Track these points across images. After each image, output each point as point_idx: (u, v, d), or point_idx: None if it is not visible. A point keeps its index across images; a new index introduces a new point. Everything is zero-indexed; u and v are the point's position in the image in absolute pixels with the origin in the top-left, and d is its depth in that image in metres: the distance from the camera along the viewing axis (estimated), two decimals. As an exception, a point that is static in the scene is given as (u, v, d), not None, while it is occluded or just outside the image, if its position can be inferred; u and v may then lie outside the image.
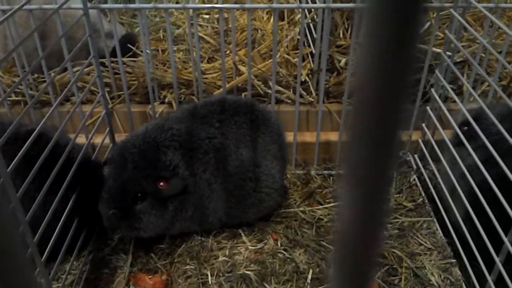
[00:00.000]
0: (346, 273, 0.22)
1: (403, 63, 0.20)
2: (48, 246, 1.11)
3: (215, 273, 1.27)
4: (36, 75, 1.75)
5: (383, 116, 0.19)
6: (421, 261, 1.31)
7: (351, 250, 0.22)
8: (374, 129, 0.19)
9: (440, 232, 1.40)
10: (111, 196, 1.24)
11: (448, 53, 1.51)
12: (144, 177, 1.22)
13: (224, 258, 1.32)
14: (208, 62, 1.91)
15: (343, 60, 1.76)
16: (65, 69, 1.62)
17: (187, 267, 1.30)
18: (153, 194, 1.23)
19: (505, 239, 1.03)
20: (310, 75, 1.73)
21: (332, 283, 0.23)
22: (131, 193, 1.23)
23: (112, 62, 1.68)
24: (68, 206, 1.22)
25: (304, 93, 1.68)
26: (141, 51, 1.81)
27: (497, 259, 1.06)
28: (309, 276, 1.25)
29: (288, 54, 1.80)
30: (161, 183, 1.23)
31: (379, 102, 0.19)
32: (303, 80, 1.69)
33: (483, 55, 1.65)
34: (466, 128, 1.30)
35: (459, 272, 1.27)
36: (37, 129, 1.09)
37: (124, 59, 1.72)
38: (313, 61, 1.71)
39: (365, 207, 0.21)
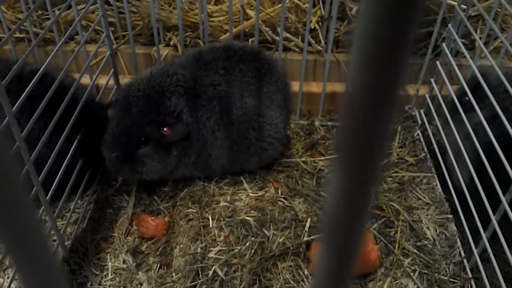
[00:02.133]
0: (334, 248, 0.23)
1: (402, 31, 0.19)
2: (53, 185, 1.13)
3: (216, 218, 1.31)
4: (40, 12, 1.71)
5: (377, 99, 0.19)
6: (418, 215, 1.34)
7: (338, 229, 0.22)
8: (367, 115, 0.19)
9: (440, 187, 1.41)
10: (114, 139, 1.24)
11: (463, 6, 1.46)
12: (148, 122, 1.22)
13: (225, 203, 1.35)
14: (215, 4, 1.85)
15: (355, 8, 1.71)
16: (69, 7, 1.58)
17: (189, 210, 1.33)
18: (156, 139, 1.24)
19: (503, 198, 1.04)
20: (320, 23, 1.69)
21: (320, 258, 0.24)
22: (135, 137, 1.23)
23: (117, 1, 1.64)
24: (73, 147, 1.23)
25: (313, 41, 1.64)
26: (147, -10, 1.76)
27: (493, 217, 1.08)
28: (307, 225, 1.28)
29: None
30: (165, 129, 1.23)
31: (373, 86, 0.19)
32: (312, 27, 1.65)
33: (498, 9, 1.60)
34: (467, 98, 1.28)
35: (454, 228, 1.30)
36: (42, 68, 1.08)
37: (130, -2, 1.68)
38: (323, 7, 1.67)
39: (353, 186, 0.21)
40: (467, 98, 1.28)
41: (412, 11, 0.18)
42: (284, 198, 1.36)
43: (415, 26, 0.18)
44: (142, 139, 1.23)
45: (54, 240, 1.22)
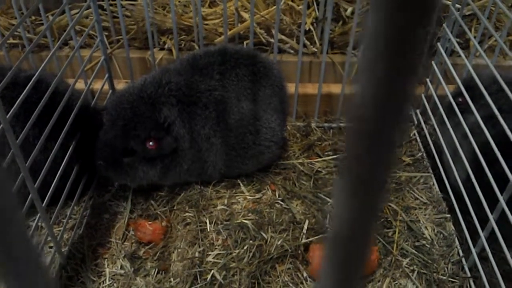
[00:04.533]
0: (337, 266, 0.23)
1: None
2: (49, 192, 1.13)
3: (214, 221, 1.30)
4: (33, 17, 1.71)
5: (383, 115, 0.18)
6: (416, 215, 1.33)
7: (343, 246, 0.22)
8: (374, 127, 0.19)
9: (437, 187, 1.41)
10: (100, 148, 1.25)
11: (457, 5, 1.46)
12: (132, 136, 1.21)
13: (222, 207, 1.34)
14: (209, 7, 1.85)
15: (350, 9, 1.71)
16: (63, 12, 1.58)
17: (186, 214, 1.33)
18: (141, 152, 1.23)
19: (501, 198, 1.04)
20: (314, 24, 1.69)
21: (323, 275, 0.23)
22: (119, 149, 1.23)
23: (111, 5, 1.64)
24: (68, 153, 1.22)
25: (308, 43, 1.64)
26: (141, -6, 1.75)
27: (491, 217, 1.08)
28: (305, 226, 1.28)
29: (292, 1, 1.74)
30: (150, 143, 1.22)
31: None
32: (307, 29, 1.65)
33: (493, 8, 1.61)
34: (460, 99, 1.29)
35: (452, 227, 1.30)
36: (36, 74, 1.07)
37: (123, 2, 1.67)
38: (318, 9, 1.67)
39: (360, 206, 0.20)
40: (460, 100, 1.29)
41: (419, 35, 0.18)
42: (282, 201, 1.36)
43: (423, 49, 0.18)
44: (129, 148, 1.23)
45: (51, 247, 1.22)
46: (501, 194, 1.04)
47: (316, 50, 1.65)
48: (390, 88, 0.18)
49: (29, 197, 1.04)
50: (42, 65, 1.10)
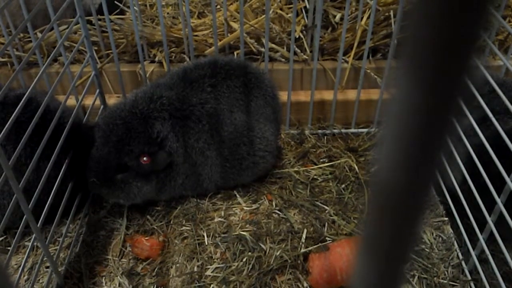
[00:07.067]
0: None
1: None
2: (44, 211, 1.11)
3: (211, 234, 1.29)
4: (21, 34, 1.69)
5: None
6: (413, 219, 1.33)
7: None
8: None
9: (433, 190, 1.41)
10: (93, 165, 1.24)
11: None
12: (126, 152, 1.20)
13: (219, 219, 1.33)
14: (198, 18, 1.85)
15: (338, 15, 1.72)
16: (51, 28, 1.57)
17: (183, 228, 1.31)
18: (135, 168, 1.22)
19: (498, 200, 1.04)
20: (304, 32, 1.69)
21: None
22: (112, 165, 1.22)
23: (99, 19, 1.63)
24: (62, 171, 1.21)
25: (298, 51, 1.64)
26: (129, 7, 1.74)
27: (489, 219, 1.08)
28: (304, 236, 1.27)
29: (281, 9, 1.74)
30: (145, 158, 1.21)
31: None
32: (297, 36, 1.65)
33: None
34: None
35: (450, 230, 1.30)
36: (27, 94, 1.06)
37: (112, 17, 1.67)
38: (307, 16, 1.67)
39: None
40: None
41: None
42: (279, 210, 1.35)
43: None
44: (122, 164, 1.22)
45: (48, 267, 1.20)
46: (498, 195, 1.04)
47: (306, 57, 1.65)
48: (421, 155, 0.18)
49: (24, 218, 1.03)
50: (33, 83, 1.09)
